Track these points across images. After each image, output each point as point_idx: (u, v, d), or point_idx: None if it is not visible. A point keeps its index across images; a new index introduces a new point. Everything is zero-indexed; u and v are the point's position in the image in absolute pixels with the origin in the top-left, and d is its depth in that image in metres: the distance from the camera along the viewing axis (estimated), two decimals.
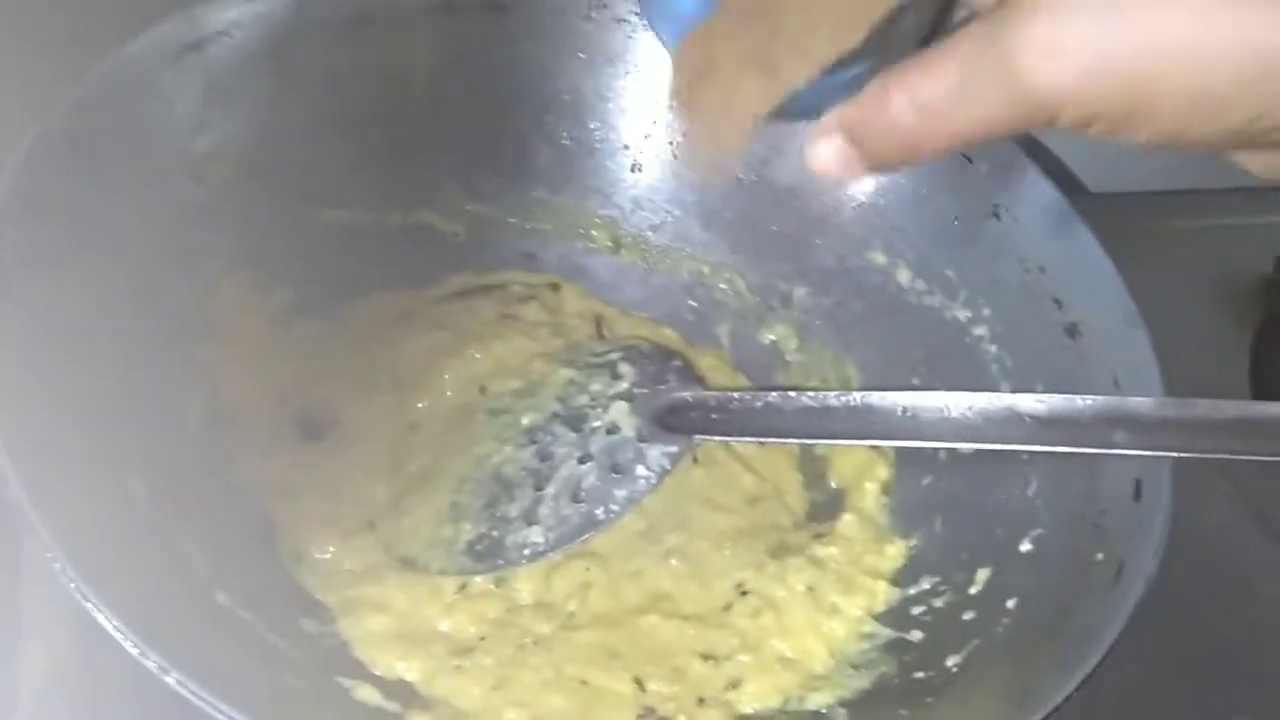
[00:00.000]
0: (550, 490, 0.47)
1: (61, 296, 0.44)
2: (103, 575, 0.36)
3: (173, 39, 0.49)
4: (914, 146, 0.33)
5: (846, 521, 0.52)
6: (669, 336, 0.56)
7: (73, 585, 0.35)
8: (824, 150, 0.34)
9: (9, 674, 0.48)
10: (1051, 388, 0.48)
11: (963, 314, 0.53)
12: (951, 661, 0.45)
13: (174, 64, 0.49)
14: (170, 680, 0.34)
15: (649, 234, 0.59)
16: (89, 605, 0.34)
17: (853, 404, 0.48)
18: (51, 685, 0.49)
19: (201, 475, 0.47)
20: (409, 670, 0.45)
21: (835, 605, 0.49)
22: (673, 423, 0.48)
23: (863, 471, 0.54)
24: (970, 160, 0.53)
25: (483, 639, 0.47)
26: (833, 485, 0.54)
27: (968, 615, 0.46)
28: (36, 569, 0.51)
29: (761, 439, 0.49)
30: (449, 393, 0.53)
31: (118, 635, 0.34)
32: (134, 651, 0.34)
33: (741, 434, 0.48)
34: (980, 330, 0.52)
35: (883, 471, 0.53)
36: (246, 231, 0.52)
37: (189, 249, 0.50)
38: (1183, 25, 0.30)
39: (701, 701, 0.45)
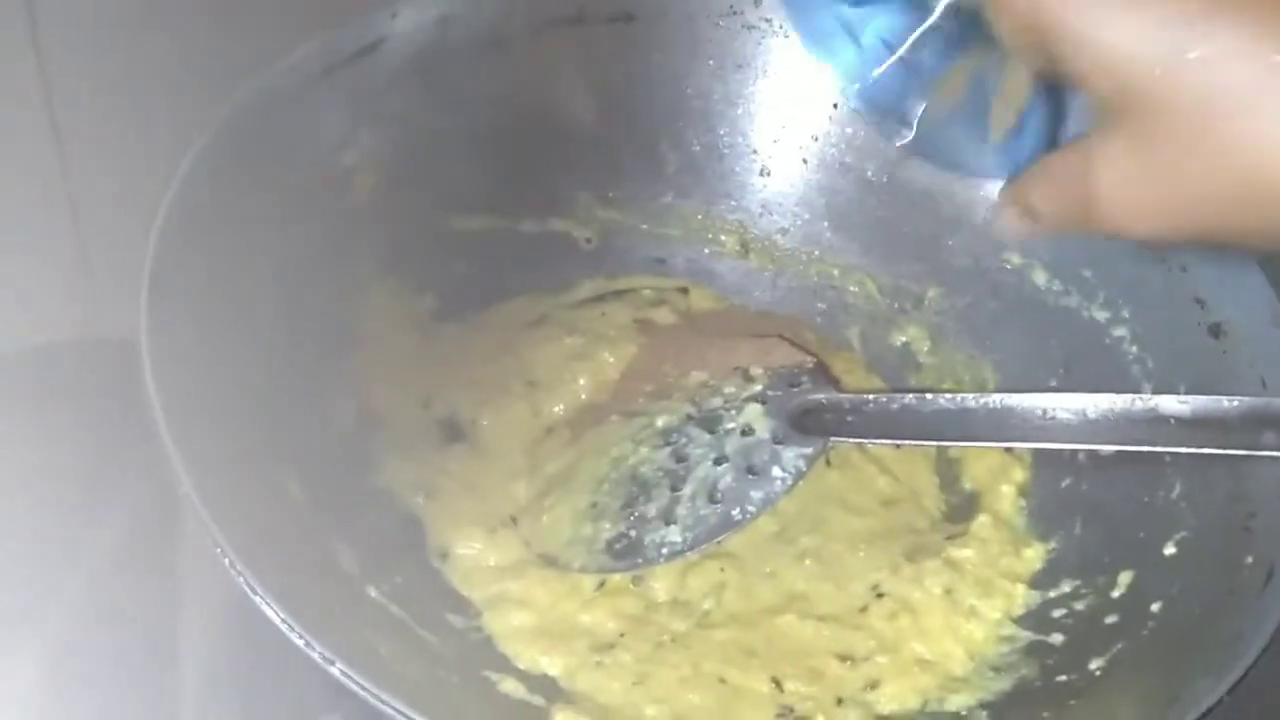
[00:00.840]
0: (687, 491, 0.48)
1: (220, 306, 0.46)
2: (267, 571, 0.37)
3: (322, 56, 0.51)
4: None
5: (981, 523, 0.51)
6: (806, 337, 0.56)
7: (241, 580, 0.36)
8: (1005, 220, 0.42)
9: (172, 658, 0.51)
10: (1195, 389, 0.48)
11: (1101, 315, 0.52)
12: (1095, 665, 0.44)
13: (323, 80, 0.51)
14: (335, 671, 0.35)
15: (777, 237, 0.60)
16: (257, 599, 0.36)
17: (991, 406, 0.47)
18: (212, 675, 0.51)
19: (352, 476, 0.49)
20: (551, 665, 0.46)
21: (974, 608, 0.49)
22: (807, 425, 0.48)
23: (998, 474, 0.53)
24: None
25: (621, 636, 0.47)
26: (967, 488, 0.54)
27: (1110, 619, 0.46)
28: (200, 563, 0.53)
29: (898, 441, 0.49)
30: (583, 396, 0.54)
31: (284, 628, 0.36)
32: (299, 643, 0.35)
33: (878, 436, 0.48)
34: (1120, 331, 0.52)
35: (1019, 474, 0.53)
36: (390, 241, 0.54)
37: (337, 259, 0.52)
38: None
39: (840, 702, 0.46)
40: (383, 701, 0.35)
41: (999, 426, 0.48)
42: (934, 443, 0.50)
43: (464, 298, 0.56)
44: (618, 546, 0.48)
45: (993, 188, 0.55)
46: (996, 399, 0.48)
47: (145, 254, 0.59)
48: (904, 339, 0.57)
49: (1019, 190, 0.41)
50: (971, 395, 0.47)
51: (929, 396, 0.47)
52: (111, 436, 0.59)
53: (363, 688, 0.35)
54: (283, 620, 0.35)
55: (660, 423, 0.51)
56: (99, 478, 0.58)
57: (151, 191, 0.60)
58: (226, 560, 0.36)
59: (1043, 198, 0.40)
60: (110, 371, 0.63)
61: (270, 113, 0.49)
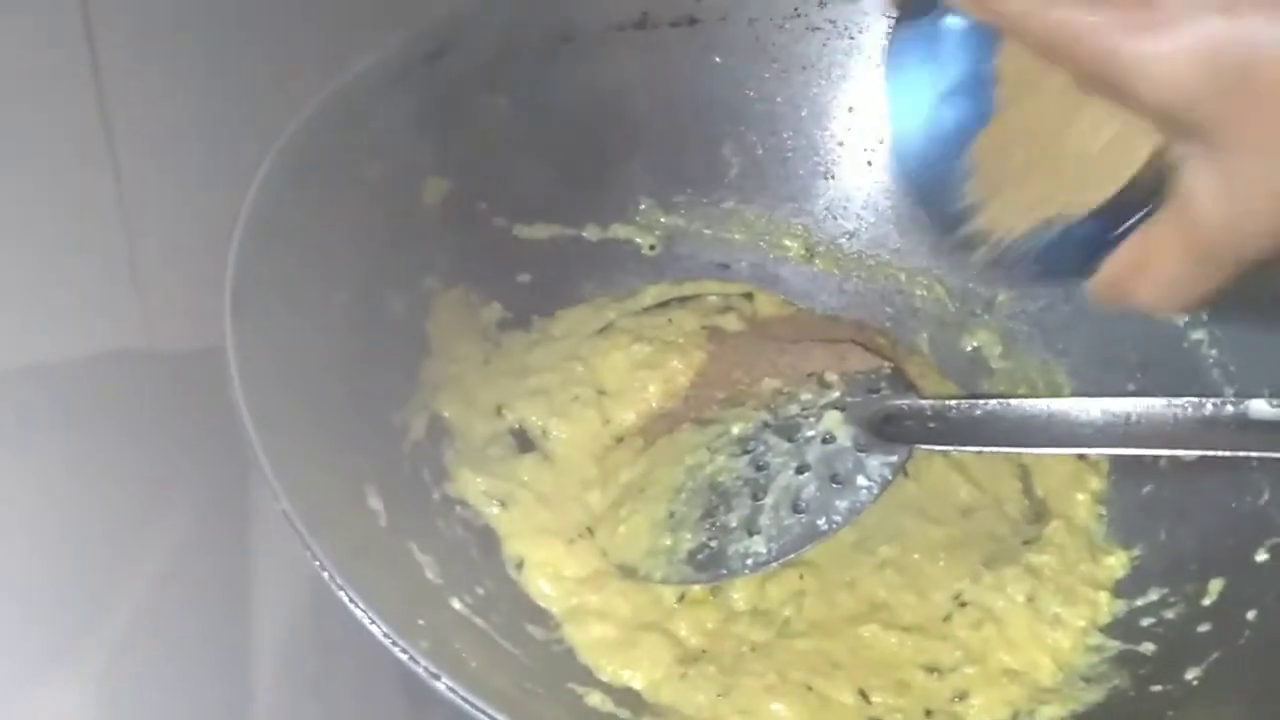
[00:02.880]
0: (769, 500, 0.47)
1: (297, 317, 0.46)
2: (366, 587, 0.37)
3: (391, 63, 0.50)
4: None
5: (1055, 528, 0.51)
6: (876, 342, 0.55)
7: (342, 594, 0.36)
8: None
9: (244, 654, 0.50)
10: (1279, 393, 0.47)
11: (1179, 318, 0.51)
12: (1191, 675, 0.43)
13: (393, 86, 0.50)
14: (440, 686, 0.34)
15: (842, 241, 0.59)
16: (361, 615, 0.35)
17: (1074, 412, 0.47)
18: (285, 684, 0.51)
19: (426, 486, 0.49)
20: (634, 678, 0.46)
21: (1057, 616, 0.48)
22: (889, 432, 0.48)
23: (1071, 483, 0.53)
24: None
25: (704, 649, 0.47)
26: (1040, 495, 0.53)
27: (1203, 627, 0.45)
28: (260, 569, 0.53)
29: (982, 448, 0.48)
30: (654, 404, 0.53)
31: (388, 643, 0.35)
32: (403, 657, 0.35)
33: (962, 443, 0.48)
34: (1199, 334, 0.51)
35: (1095, 483, 0.52)
36: (458, 249, 0.54)
37: (407, 269, 0.52)
38: None
39: (929, 714, 0.45)
40: (484, 714, 0.34)
41: (1083, 432, 0.47)
42: (1019, 449, 0.49)
43: (529, 306, 0.56)
44: (700, 557, 0.47)
45: None
46: (1080, 404, 0.47)
47: (196, 267, 0.59)
48: (975, 343, 0.57)
49: (1112, 289, 0.38)
50: (1054, 400, 0.47)
51: (1013, 402, 0.47)
52: (168, 445, 0.58)
53: (467, 702, 0.34)
54: (386, 636, 0.35)
55: (736, 430, 0.50)
56: (155, 485, 0.58)
57: (202, 204, 0.59)
58: (327, 575, 0.36)
59: (1144, 287, 0.36)
60: (163, 383, 0.63)
61: (341, 120, 0.49)
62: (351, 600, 0.35)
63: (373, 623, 0.35)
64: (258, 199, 0.45)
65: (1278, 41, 0.31)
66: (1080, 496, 0.52)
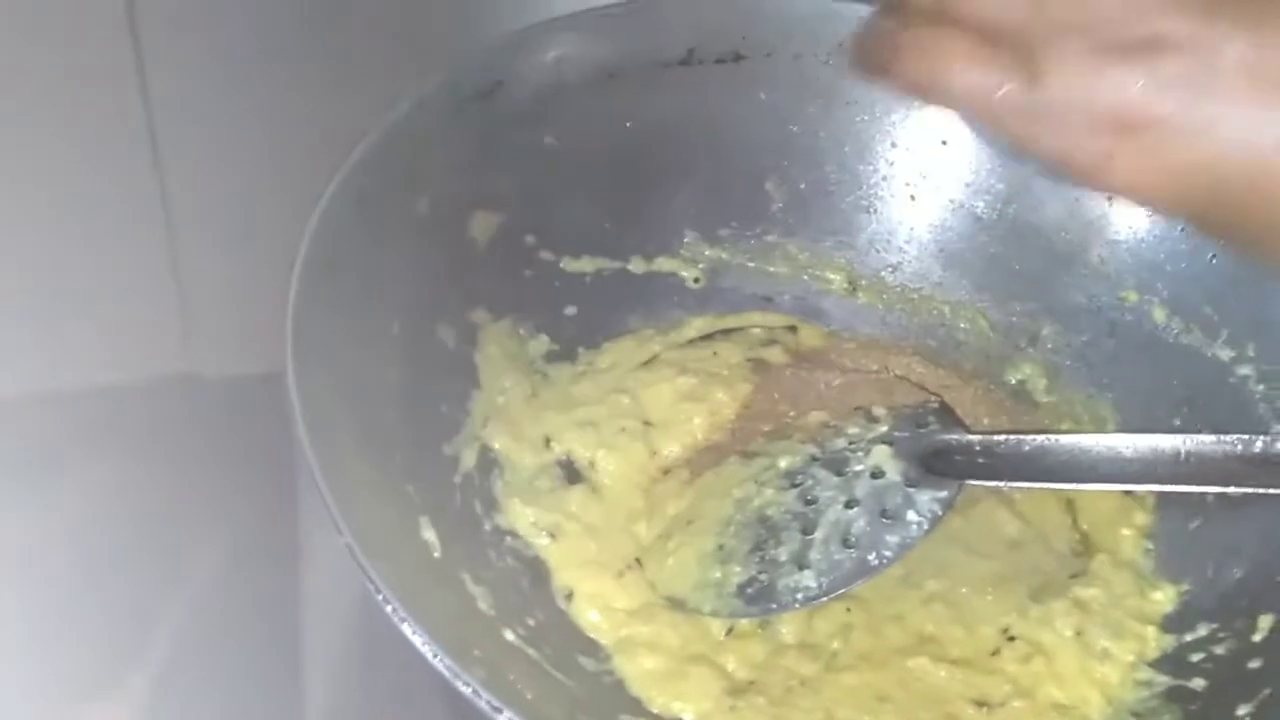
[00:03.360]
0: (819, 535, 0.47)
1: (351, 348, 0.47)
2: (426, 619, 0.37)
3: (445, 97, 0.51)
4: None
5: (1100, 561, 0.51)
6: (918, 371, 0.56)
7: (405, 627, 0.36)
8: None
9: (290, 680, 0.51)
10: None
11: (1225, 353, 0.52)
12: (1243, 711, 0.43)
13: (446, 121, 0.51)
14: (502, 719, 0.35)
15: (885, 274, 0.59)
16: (424, 649, 0.36)
17: (1123, 448, 0.47)
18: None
19: (478, 518, 0.49)
20: (685, 710, 0.46)
21: (1106, 650, 0.48)
22: (939, 467, 0.48)
23: (1116, 518, 0.53)
24: None
25: (753, 682, 0.47)
26: (1084, 528, 0.53)
27: (1254, 663, 0.45)
28: (306, 596, 0.53)
29: (1031, 484, 0.48)
30: (699, 436, 0.54)
31: (447, 674, 0.36)
32: (465, 690, 0.35)
33: (1011, 478, 0.48)
34: (1245, 370, 0.51)
35: (1141, 518, 0.52)
36: (506, 282, 0.54)
37: (456, 300, 0.52)
38: None
39: None
40: None
41: (1131, 468, 0.47)
42: (1067, 485, 0.50)
43: (575, 339, 0.56)
44: (749, 591, 0.47)
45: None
46: (1129, 440, 0.47)
47: (242, 295, 0.60)
48: (1019, 377, 0.57)
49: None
50: (1104, 436, 0.47)
51: (1061, 438, 0.47)
52: (213, 472, 0.59)
53: None
54: (449, 669, 0.35)
55: (783, 464, 0.50)
56: (199, 512, 0.59)
57: (249, 234, 0.60)
58: (390, 609, 0.36)
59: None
60: (208, 409, 0.63)
61: (397, 153, 0.49)
62: (414, 633, 0.36)
63: (436, 657, 0.35)
64: (316, 234, 0.45)
65: None
66: (1126, 531, 0.52)
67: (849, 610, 0.49)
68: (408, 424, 0.48)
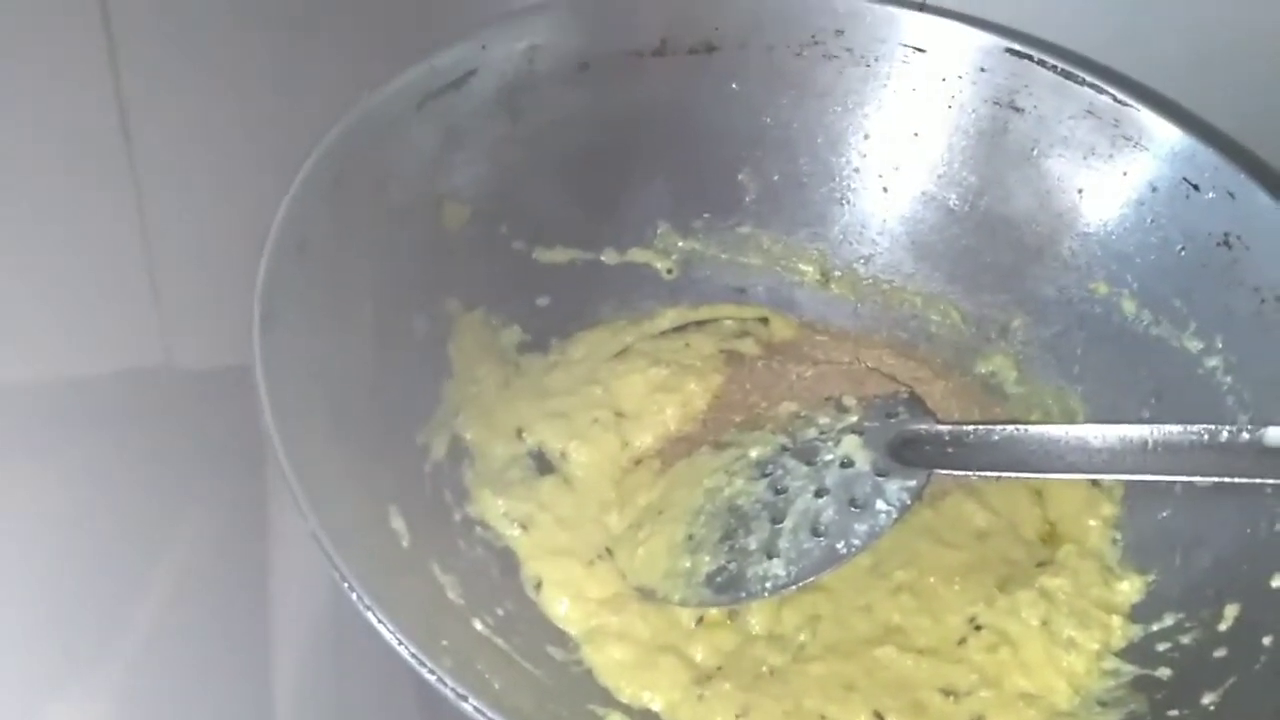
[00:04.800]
0: (788, 524, 0.47)
1: (322, 337, 0.46)
2: (394, 608, 0.37)
3: (416, 87, 0.51)
4: None
5: (1067, 551, 0.51)
6: (887, 363, 0.56)
7: (370, 615, 0.36)
8: None
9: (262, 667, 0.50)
10: None
11: (1194, 345, 0.52)
12: (1208, 700, 0.44)
13: (417, 110, 0.51)
14: (468, 707, 0.35)
15: (858, 266, 0.60)
16: (386, 634, 0.36)
17: (1091, 438, 0.47)
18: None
19: (448, 507, 0.49)
20: (654, 700, 0.46)
21: (1072, 639, 0.48)
22: (908, 456, 0.48)
23: (1083, 508, 0.53)
24: (1196, 188, 0.52)
25: (720, 669, 0.47)
26: (1051, 518, 0.53)
27: (1219, 653, 0.45)
28: (274, 588, 0.53)
29: (1000, 473, 0.49)
30: (671, 426, 0.54)
31: (413, 662, 0.36)
32: (431, 679, 0.35)
33: (980, 468, 0.48)
34: (1214, 361, 0.51)
35: (1108, 509, 0.53)
36: (478, 272, 0.54)
37: (428, 290, 0.52)
38: None
39: None
40: None
41: (1099, 458, 0.47)
42: (1036, 475, 0.50)
43: (548, 329, 0.56)
44: (719, 580, 0.47)
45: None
46: (1097, 430, 0.48)
47: (215, 285, 0.59)
48: (989, 368, 0.57)
49: None
50: (1072, 427, 0.47)
51: (1030, 428, 0.47)
52: (185, 460, 0.59)
53: None
54: (414, 658, 0.35)
55: (754, 454, 0.51)
56: (171, 500, 0.59)
57: (221, 224, 0.60)
58: (355, 597, 0.36)
59: None
60: (180, 399, 0.63)
61: (368, 143, 0.49)
62: (380, 621, 0.36)
63: (401, 644, 0.35)
64: (285, 222, 0.45)
65: None
66: (1093, 522, 0.53)
67: (816, 602, 0.49)
68: (378, 413, 0.48)
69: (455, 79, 0.52)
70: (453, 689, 0.35)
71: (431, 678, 0.35)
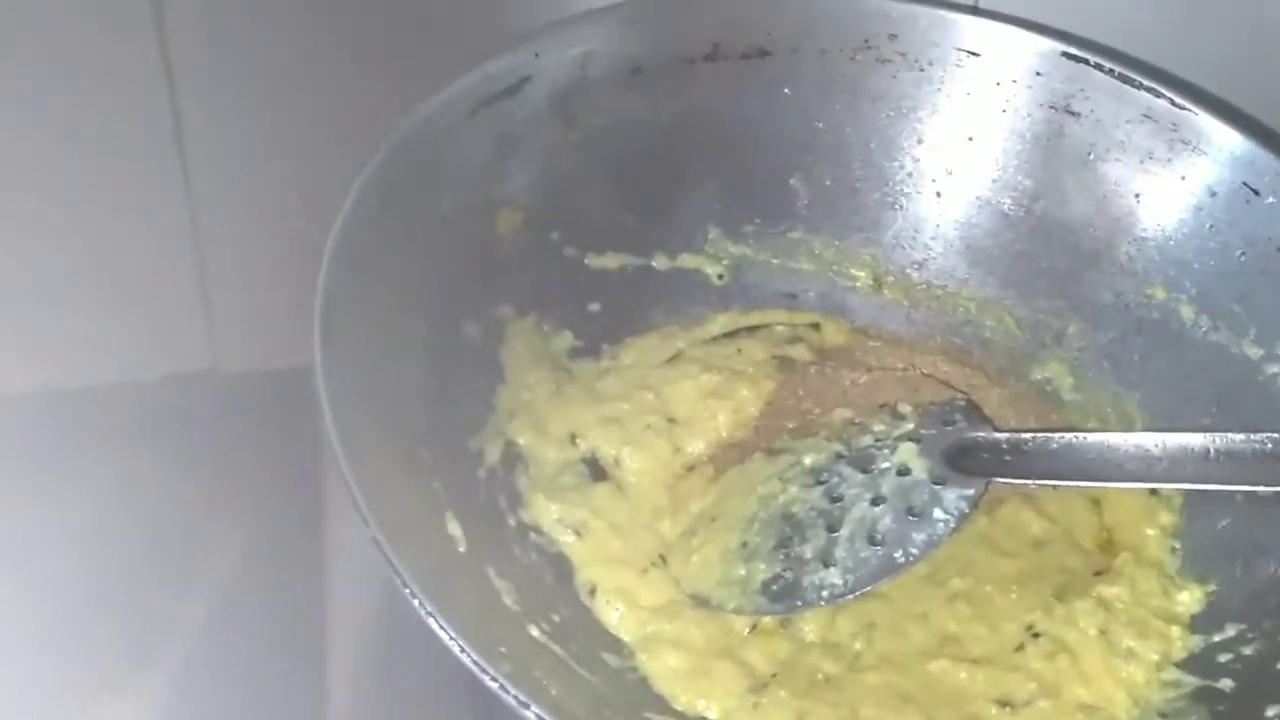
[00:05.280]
0: (844, 532, 0.47)
1: (378, 344, 0.47)
2: (453, 614, 0.37)
3: (470, 94, 0.51)
4: None
5: (1124, 559, 0.50)
6: (946, 371, 0.55)
7: (432, 621, 0.36)
8: None
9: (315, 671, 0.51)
10: None
11: (1254, 351, 0.51)
12: (1272, 712, 0.43)
13: (471, 118, 0.51)
14: (530, 715, 0.35)
15: (911, 271, 0.59)
16: (449, 641, 0.36)
17: (1151, 447, 0.47)
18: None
19: (502, 513, 0.49)
20: (710, 708, 0.46)
21: (1131, 650, 0.48)
22: (965, 465, 0.48)
23: (1140, 517, 0.52)
24: (1256, 192, 0.52)
25: (775, 676, 0.47)
26: (1109, 527, 0.53)
27: None
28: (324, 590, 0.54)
29: (1058, 482, 0.48)
30: (724, 433, 0.54)
31: (475, 669, 0.36)
32: (494, 686, 0.35)
33: (1038, 476, 0.48)
34: (1275, 369, 0.51)
35: (1165, 517, 0.52)
36: (530, 278, 0.54)
37: (481, 296, 0.52)
38: None
39: None
40: None
41: (1159, 467, 0.47)
42: (1095, 484, 0.49)
43: (599, 335, 0.56)
44: (774, 588, 0.47)
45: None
46: (1157, 439, 0.47)
47: (264, 292, 0.60)
48: (1045, 375, 0.57)
49: None
50: (1132, 435, 0.47)
51: (1089, 436, 0.47)
52: (233, 466, 0.59)
53: None
54: (476, 664, 0.35)
55: (808, 461, 0.50)
56: (219, 506, 0.59)
57: (271, 231, 0.60)
58: (417, 604, 0.36)
59: None
60: (229, 405, 0.64)
61: (423, 150, 0.50)
62: (442, 628, 0.36)
63: (464, 652, 0.35)
64: (342, 231, 0.45)
65: None
66: (1151, 531, 0.52)
67: (872, 611, 0.49)
68: (433, 419, 0.48)
69: (509, 86, 0.52)
70: (515, 696, 0.35)
71: (494, 685, 0.35)
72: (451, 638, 0.36)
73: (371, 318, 0.46)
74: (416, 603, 0.36)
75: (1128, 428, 0.54)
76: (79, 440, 0.61)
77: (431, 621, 0.36)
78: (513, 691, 0.35)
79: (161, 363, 0.64)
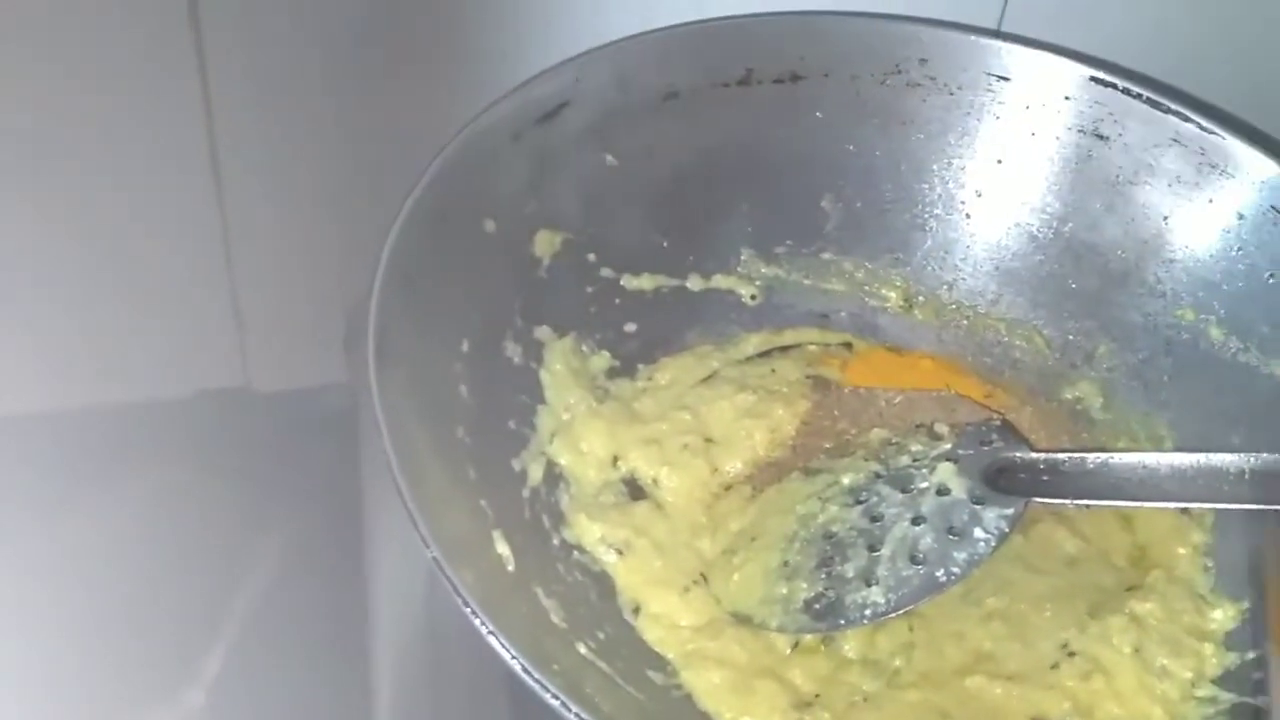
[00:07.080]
0: (886, 551, 0.48)
1: (426, 365, 0.47)
2: (512, 634, 0.38)
3: (513, 119, 0.52)
4: None
5: (1156, 576, 0.51)
6: (972, 388, 0.56)
7: (494, 640, 0.37)
8: None
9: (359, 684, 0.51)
10: None
11: None
12: None
13: (514, 142, 0.52)
14: None
15: (941, 292, 0.60)
16: (510, 660, 0.36)
17: (1186, 466, 0.47)
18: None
19: (547, 532, 0.50)
20: None
21: (1165, 668, 0.48)
22: (1003, 484, 0.49)
23: (1171, 536, 0.53)
24: None
25: (818, 695, 0.48)
26: (1141, 545, 0.54)
27: None
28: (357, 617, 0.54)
29: (1095, 501, 0.49)
30: (760, 452, 0.54)
31: (537, 687, 0.36)
32: (554, 703, 0.36)
33: (1076, 496, 0.48)
34: None
35: (1197, 536, 0.53)
36: (568, 299, 0.55)
37: (521, 316, 0.53)
38: None
39: None
40: None
41: (1194, 486, 0.48)
42: (1132, 503, 0.50)
43: (635, 355, 0.57)
44: (817, 606, 0.48)
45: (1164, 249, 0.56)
46: (1192, 459, 0.48)
47: (297, 309, 0.61)
48: (1075, 395, 0.57)
49: None
50: (1166, 455, 0.48)
51: (1125, 456, 0.47)
52: (266, 479, 0.60)
53: None
54: (538, 683, 0.36)
55: (847, 480, 0.51)
56: (254, 522, 0.60)
57: (305, 248, 0.61)
58: (479, 623, 0.37)
59: None
60: (262, 422, 0.64)
61: (461, 179, 0.50)
62: (504, 646, 0.36)
63: (526, 671, 0.36)
64: (392, 254, 0.46)
65: None
66: (1182, 550, 0.53)
67: (911, 629, 0.50)
68: (478, 439, 0.49)
69: (550, 110, 0.53)
70: (577, 714, 0.36)
71: (555, 703, 0.36)
72: (513, 656, 0.37)
73: (420, 339, 0.47)
74: (479, 623, 0.37)
75: (1158, 447, 0.55)
76: (114, 457, 0.62)
77: (494, 641, 0.37)
78: (574, 709, 0.36)
79: (195, 380, 0.64)
